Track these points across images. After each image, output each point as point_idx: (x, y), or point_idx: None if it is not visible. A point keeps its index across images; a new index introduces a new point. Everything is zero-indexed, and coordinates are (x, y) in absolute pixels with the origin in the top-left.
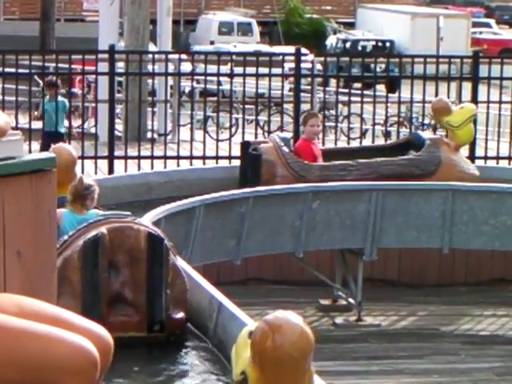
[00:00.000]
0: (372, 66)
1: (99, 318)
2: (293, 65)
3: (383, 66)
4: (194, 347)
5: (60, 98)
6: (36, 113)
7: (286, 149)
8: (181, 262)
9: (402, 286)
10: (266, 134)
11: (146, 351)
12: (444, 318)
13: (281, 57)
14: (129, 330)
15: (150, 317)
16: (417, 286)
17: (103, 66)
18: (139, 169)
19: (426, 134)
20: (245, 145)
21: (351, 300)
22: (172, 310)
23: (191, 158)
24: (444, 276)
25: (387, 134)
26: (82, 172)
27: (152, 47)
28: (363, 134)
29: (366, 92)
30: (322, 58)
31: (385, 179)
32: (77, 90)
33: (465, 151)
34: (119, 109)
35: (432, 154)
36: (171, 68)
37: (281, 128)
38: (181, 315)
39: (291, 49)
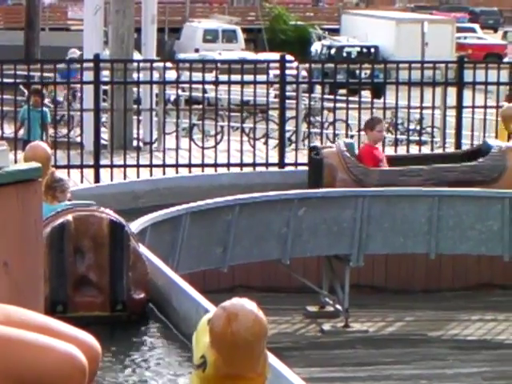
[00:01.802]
0: (357, 72)
1: (65, 298)
2: (278, 72)
3: (368, 72)
4: (155, 326)
5: (44, 108)
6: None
7: (347, 154)
8: (143, 249)
9: (389, 292)
10: (252, 142)
11: (110, 329)
12: (431, 324)
13: (266, 64)
14: (93, 309)
15: (112, 297)
16: (404, 291)
17: (88, 75)
18: (125, 177)
19: (496, 142)
20: (312, 149)
21: (338, 306)
22: (133, 291)
23: (177, 166)
24: (431, 281)
25: None
26: None
27: (137, 55)
28: None
29: (351, 98)
30: (307, 65)
31: (447, 185)
32: (62, 99)
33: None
34: (104, 117)
35: (497, 161)
36: (156, 76)
37: (266, 135)
38: (142, 296)
39: (276, 56)
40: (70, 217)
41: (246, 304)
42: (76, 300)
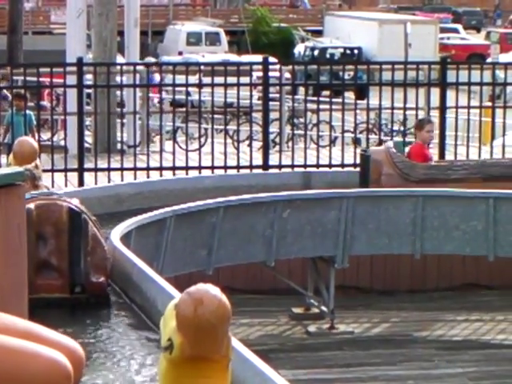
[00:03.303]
0: (340, 73)
1: (27, 281)
2: (261, 74)
3: (351, 73)
4: (115, 305)
5: (27, 112)
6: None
7: (394, 150)
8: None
9: (375, 293)
10: (236, 144)
11: (69, 310)
12: (417, 324)
13: (249, 66)
14: (54, 291)
15: (71, 280)
16: (389, 292)
17: (71, 79)
18: (109, 181)
19: None
20: (362, 151)
21: (324, 308)
22: (93, 274)
23: (161, 169)
24: (416, 282)
25: (357, 141)
26: (52, 185)
27: (120, 59)
28: (333, 141)
29: (334, 99)
30: (290, 67)
31: (492, 179)
32: (46, 102)
33: (435, 156)
34: (88, 121)
35: None
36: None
37: (250, 137)
38: (101, 279)
39: (259, 58)
40: (32, 205)
41: (210, 289)
42: (38, 283)
